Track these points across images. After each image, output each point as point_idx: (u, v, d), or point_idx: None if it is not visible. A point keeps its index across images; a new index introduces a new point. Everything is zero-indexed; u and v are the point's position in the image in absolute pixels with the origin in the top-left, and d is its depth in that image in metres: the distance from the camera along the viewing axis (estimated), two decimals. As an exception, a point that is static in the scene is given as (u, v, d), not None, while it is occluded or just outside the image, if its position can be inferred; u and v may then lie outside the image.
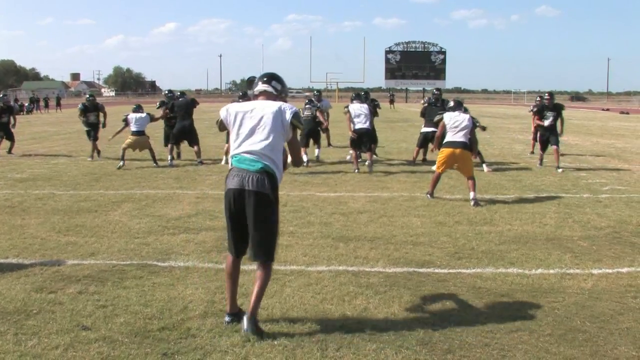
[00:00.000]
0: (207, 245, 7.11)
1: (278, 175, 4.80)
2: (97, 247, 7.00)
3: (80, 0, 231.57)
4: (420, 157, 15.50)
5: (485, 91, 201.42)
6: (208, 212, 9.01)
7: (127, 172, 13.35)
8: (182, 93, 16.71)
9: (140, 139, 14.44)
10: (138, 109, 14.91)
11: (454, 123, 9.92)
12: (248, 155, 4.68)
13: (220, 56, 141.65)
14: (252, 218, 4.61)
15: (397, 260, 6.54)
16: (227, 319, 4.76)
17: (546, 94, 14.71)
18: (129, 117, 14.57)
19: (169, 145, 15.15)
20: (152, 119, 14.86)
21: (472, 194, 9.74)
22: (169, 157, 14.74)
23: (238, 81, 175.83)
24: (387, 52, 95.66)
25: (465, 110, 10.37)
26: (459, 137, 9.85)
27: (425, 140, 14.77)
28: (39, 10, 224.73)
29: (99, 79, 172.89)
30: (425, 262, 6.48)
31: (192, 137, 15.10)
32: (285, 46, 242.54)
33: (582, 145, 20.59)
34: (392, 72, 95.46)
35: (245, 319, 4.49)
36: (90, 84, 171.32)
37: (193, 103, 15.41)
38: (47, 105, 57.44)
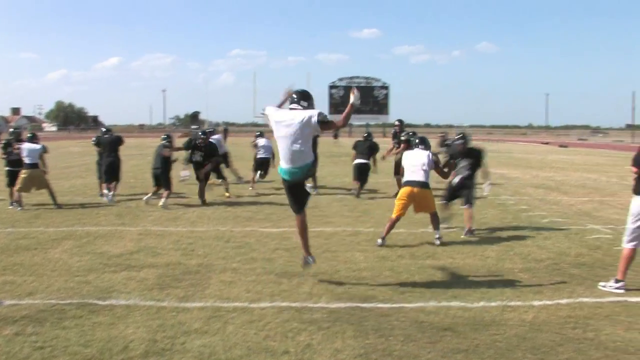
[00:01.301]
0: (149, 282, 7.00)
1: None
2: (36, 286, 6.82)
3: (22, 34, 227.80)
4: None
5: (428, 125, 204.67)
6: (150, 248, 8.90)
7: (68, 209, 13.07)
8: (108, 130, 16.32)
9: (34, 173, 13.22)
10: (33, 138, 13.63)
11: (413, 161, 9.64)
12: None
13: (164, 91, 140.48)
14: None
15: (341, 296, 6.55)
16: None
17: (458, 137, 11.10)
18: (22, 146, 13.35)
19: (99, 181, 15.22)
20: (45, 150, 13.68)
21: (437, 234, 9.52)
22: (102, 192, 14.64)
23: (182, 116, 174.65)
24: (330, 87, 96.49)
25: (425, 147, 9.90)
26: (418, 176, 9.50)
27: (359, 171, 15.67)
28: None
29: (40, 114, 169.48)
30: (368, 297, 6.52)
31: (115, 173, 14.81)
32: (229, 81, 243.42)
33: (522, 178, 21.08)
34: (336, 106, 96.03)
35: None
36: (31, 119, 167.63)
37: (118, 140, 15.26)
38: None
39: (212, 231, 10.35)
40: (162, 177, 13.61)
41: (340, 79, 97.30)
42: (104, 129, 16.46)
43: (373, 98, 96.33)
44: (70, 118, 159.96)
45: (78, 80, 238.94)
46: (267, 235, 10.00)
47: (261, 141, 17.16)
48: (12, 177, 13.59)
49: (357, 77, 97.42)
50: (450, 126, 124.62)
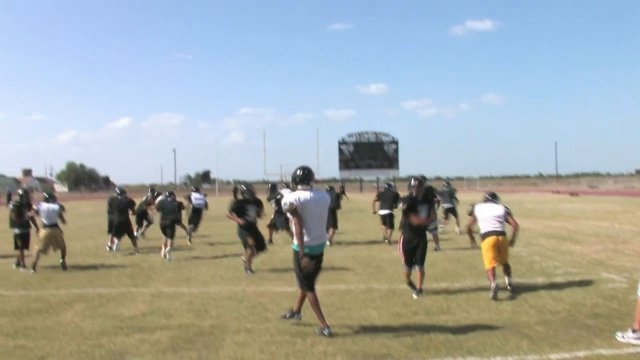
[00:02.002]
0: (162, 345, 6.96)
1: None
2: (48, 351, 6.79)
3: (32, 96, 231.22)
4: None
5: (438, 178, 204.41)
6: (163, 310, 8.86)
7: (80, 270, 13.09)
8: (123, 192, 17.63)
9: (55, 232, 13.44)
10: (50, 199, 13.68)
11: (488, 214, 10.25)
12: None
13: (174, 150, 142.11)
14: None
15: (355, 354, 6.49)
16: None
17: (412, 180, 10.34)
18: (40, 207, 13.41)
19: (110, 236, 16.91)
20: (64, 209, 13.88)
21: (507, 279, 9.92)
22: (110, 246, 16.57)
23: (192, 175, 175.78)
24: (340, 144, 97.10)
25: (497, 201, 10.63)
26: (499, 226, 10.12)
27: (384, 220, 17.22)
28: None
29: (51, 175, 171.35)
30: (383, 355, 6.45)
31: (129, 231, 16.71)
32: (239, 139, 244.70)
33: (534, 228, 20.99)
34: (346, 162, 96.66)
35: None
36: (42, 180, 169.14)
37: (129, 203, 17.05)
38: (9, 200, 55.64)
39: (225, 291, 10.31)
40: (169, 227, 15.35)
41: (350, 135, 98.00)
42: (118, 191, 17.65)
43: (383, 153, 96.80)
44: (81, 179, 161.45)
45: (88, 141, 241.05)
46: (280, 295, 9.96)
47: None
48: (23, 240, 13.74)
49: (366, 133, 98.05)
50: (461, 178, 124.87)
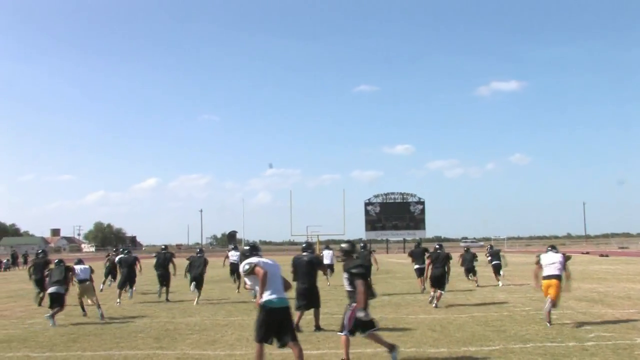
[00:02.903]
0: (188, 409, 6.92)
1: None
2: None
3: (61, 157, 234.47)
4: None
5: (465, 239, 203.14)
6: (188, 373, 8.83)
7: (106, 331, 13.13)
8: (128, 251, 22.78)
9: (88, 286, 15.98)
10: (79, 262, 16.53)
11: (549, 261, 13.32)
12: None
13: (201, 211, 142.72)
14: None
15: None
16: None
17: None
18: (76, 269, 16.02)
19: (118, 291, 19.84)
20: (92, 271, 16.52)
21: (550, 307, 12.98)
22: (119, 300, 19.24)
23: (219, 235, 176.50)
24: (366, 204, 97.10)
25: (556, 251, 13.79)
26: (556, 270, 13.15)
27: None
28: (19, 167, 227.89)
29: (79, 235, 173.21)
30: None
31: (131, 281, 20.87)
32: (265, 200, 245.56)
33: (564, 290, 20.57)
34: (372, 223, 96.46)
35: None
36: (70, 240, 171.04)
37: (134, 260, 21.22)
38: (25, 262, 55.46)
39: (252, 354, 10.23)
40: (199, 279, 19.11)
41: (376, 196, 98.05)
42: (123, 249, 23.75)
43: (409, 214, 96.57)
44: (108, 238, 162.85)
45: (116, 202, 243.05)
46: (307, 358, 9.87)
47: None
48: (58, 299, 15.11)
49: (393, 193, 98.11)
50: (488, 239, 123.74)
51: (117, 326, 13.97)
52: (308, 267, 13.27)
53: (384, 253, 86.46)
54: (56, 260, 16.33)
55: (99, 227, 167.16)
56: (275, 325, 8.52)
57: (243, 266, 8.63)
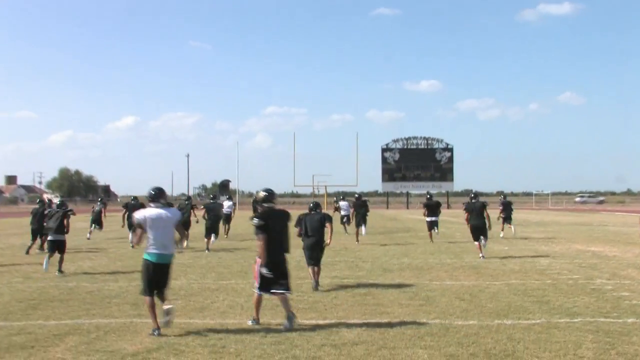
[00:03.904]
0: (171, 386, 6.99)
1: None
2: (35, 392, 6.86)
3: (18, 89, 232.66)
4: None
5: (500, 193, 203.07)
6: (172, 345, 8.91)
7: (74, 296, 13.23)
8: (135, 197, 28.72)
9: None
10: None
11: None
12: None
13: (188, 156, 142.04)
14: None
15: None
16: None
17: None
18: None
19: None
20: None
21: None
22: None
23: (209, 185, 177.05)
24: (383, 150, 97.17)
25: None
26: None
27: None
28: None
29: (40, 183, 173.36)
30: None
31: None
32: (265, 144, 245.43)
33: (622, 257, 20.78)
34: (390, 173, 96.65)
35: None
36: (29, 189, 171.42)
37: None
38: None
39: (246, 324, 10.34)
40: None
41: (395, 141, 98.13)
42: (133, 197, 28.75)
43: (434, 162, 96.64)
44: (76, 188, 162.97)
45: (86, 144, 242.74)
46: (311, 328, 9.95)
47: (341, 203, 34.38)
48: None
49: (415, 138, 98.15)
50: (529, 194, 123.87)
51: (88, 290, 14.09)
52: (319, 223, 14.77)
53: (403, 208, 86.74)
54: (57, 203, 19.36)
55: (64, 174, 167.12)
56: (155, 278, 10.02)
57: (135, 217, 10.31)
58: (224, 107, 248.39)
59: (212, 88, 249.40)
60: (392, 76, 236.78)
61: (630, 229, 36.93)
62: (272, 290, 10.44)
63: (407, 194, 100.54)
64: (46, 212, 20.05)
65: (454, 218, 46.65)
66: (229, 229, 31.28)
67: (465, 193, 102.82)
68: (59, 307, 12.03)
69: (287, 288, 10.59)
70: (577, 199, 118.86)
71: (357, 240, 27.23)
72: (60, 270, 16.81)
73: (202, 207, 26.56)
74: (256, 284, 10.55)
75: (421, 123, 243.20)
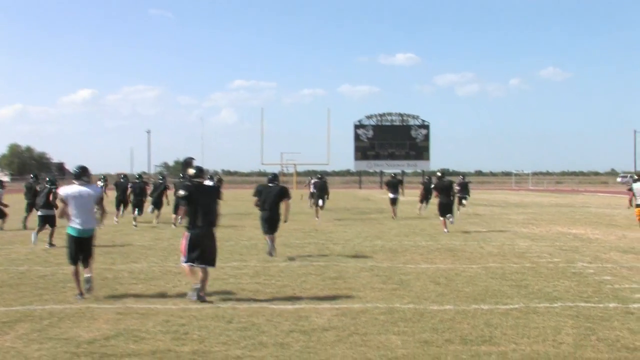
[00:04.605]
0: (130, 375, 6.99)
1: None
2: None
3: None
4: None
5: (479, 173, 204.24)
6: (132, 332, 8.89)
7: (25, 280, 13.14)
8: (125, 175, 30.35)
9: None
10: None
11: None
12: None
13: (149, 132, 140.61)
14: None
15: (374, 391, 6.51)
16: None
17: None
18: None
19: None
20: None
21: None
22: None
23: (171, 163, 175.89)
24: (356, 127, 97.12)
25: None
26: None
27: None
28: None
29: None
30: (409, 393, 6.47)
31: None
32: (231, 120, 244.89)
33: (605, 240, 20.98)
34: (363, 151, 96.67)
35: None
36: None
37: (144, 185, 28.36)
38: None
39: (209, 308, 10.35)
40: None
41: (369, 117, 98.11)
42: (122, 175, 30.17)
43: (410, 139, 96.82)
44: (27, 165, 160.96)
45: (38, 119, 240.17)
46: (279, 314, 9.99)
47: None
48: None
49: (390, 114, 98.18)
50: (508, 174, 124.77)
51: (40, 274, 13.98)
52: (276, 198, 16.48)
53: (377, 188, 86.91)
54: (47, 181, 20.81)
55: (14, 150, 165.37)
56: (77, 250, 11.43)
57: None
58: (187, 81, 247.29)
59: (175, 60, 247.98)
60: (367, 49, 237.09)
61: (613, 210, 37.35)
62: (195, 263, 11.25)
63: (381, 173, 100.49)
64: (38, 188, 23.42)
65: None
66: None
67: (441, 172, 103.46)
68: (8, 293, 11.91)
69: (209, 262, 11.39)
70: (619, 179, 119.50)
71: (317, 217, 30.13)
72: (50, 244, 18.90)
73: (171, 186, 28.39)
74: (182, 257, 11.42)
75: (397, 99, 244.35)
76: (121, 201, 28.38)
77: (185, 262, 11.34)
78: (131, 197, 27.66)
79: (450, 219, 23.34)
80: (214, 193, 12.04)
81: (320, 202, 31.36)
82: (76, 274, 11.39)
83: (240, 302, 10.90)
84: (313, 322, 9.38)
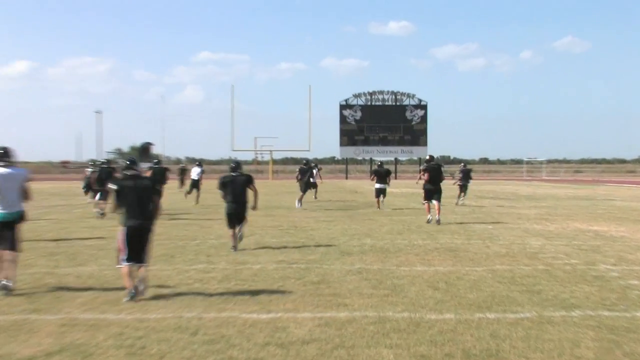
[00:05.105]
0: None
1: None
2: None
3: None
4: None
5: (485, 161, 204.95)
6: (78, 347, 8.86)
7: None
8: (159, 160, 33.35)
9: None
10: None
11: None
12: None
13: (99, 113, 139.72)
14: None
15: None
16: None
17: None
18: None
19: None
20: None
21: None
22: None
23: (126, 149, 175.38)
24: (342, 107, 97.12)
25: None
26: None
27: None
28: None
29: None
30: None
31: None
32: (196, 98, 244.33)
33: (632, 238, 21.14)
34: (350, 135, 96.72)
35: None
36: None
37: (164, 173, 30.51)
38: None
39: (171, 319, 10.31)
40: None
41: (357, 95, 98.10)
42: (155, 160, 32.43)
43: (404, 122, 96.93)
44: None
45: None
46: (252, 324, 9.97)
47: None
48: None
49: (381, 92, 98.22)
50: (519, 162, 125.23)
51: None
52: (242, 187, 17.87)
53: (366, 178, 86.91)
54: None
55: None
56: (2, 234, 12.19)
57: None
58: (144, 53, 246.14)
59: (130, 28, 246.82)
60: (354, 16, 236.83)
61: (640, 203, 37.51)
62: (131, 262, 11.91)
63: (371, 161, 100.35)
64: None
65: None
66: (198, 196, 37.34)
67: (443, 160, 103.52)
68: None
69: (142, 260, 12.08)
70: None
71: (300, 204, 35.02)
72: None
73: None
74: (122, 256, 11.95)
75: (389, 74, 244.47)
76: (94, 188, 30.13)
77: (126, 261, 11.85)
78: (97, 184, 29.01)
79: (437, 205, 25.48)
80: (149, 184, 12.71)
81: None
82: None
83: (207, 310, 10.87)
84: (292, 334, 9.38)
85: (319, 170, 43.59)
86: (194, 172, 38.12)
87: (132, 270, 11.78)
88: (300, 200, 35.32)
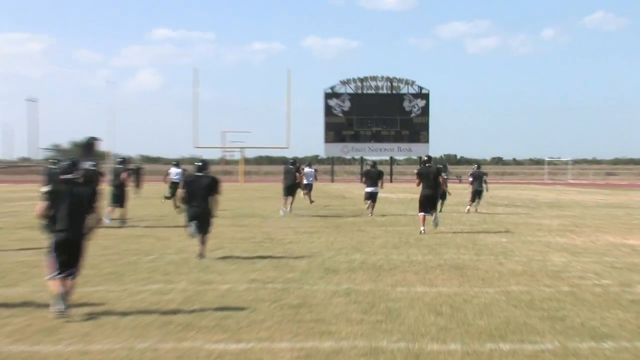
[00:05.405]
0: None
1: None
2: None
3: None
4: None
5: (499, 161, 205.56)
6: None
7: None
8: (124, 160, 33.63)
9: None
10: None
11: None
12: None
13: (34, 101, 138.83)
14: None
15: None
16: None
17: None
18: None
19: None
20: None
21: None
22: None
23: (66, 145, 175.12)
24: (328, 96, 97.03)
25: None
26: None
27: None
28: None
29: None
30: None
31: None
32: (152, 85, 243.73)
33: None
34: (336, 130, 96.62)
35: None
36: None
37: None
38: None
39: (120, 350, 10.29)
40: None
41: (345, 82, 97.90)
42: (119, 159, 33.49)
43: (402, 114, 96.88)
44: None
45: None
46: (218, 356, 9.99)
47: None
48: None
49: (374, 78, 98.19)
50: (540, 162, 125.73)
51: None
52: (206, 190, 18.86)
53: (356, 181, 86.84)
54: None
55: None
56: None
57: None
58: (87, 29, 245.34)
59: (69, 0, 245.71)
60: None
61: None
62: (62, 274, 12.35)
63: (362, 161, 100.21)
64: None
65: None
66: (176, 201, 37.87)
67: (445, 160, 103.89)
68: None
69: (72, 273, 12.59)
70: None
71: (288, 209, 36.08)
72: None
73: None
74: (53, 269, 12.39)
75: (384, 57, 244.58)
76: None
77: (58, 274, 12.24)
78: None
79: (434, 219, 26.25)
80: (86, 188, 13.16)
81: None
82: None
83: (164, 340, 10.86)
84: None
85: (315, 171, 46.99)
86: (174, 173, 39.34)
87: (65, 283, 12.14)
88: (286, 205, 35.90)
